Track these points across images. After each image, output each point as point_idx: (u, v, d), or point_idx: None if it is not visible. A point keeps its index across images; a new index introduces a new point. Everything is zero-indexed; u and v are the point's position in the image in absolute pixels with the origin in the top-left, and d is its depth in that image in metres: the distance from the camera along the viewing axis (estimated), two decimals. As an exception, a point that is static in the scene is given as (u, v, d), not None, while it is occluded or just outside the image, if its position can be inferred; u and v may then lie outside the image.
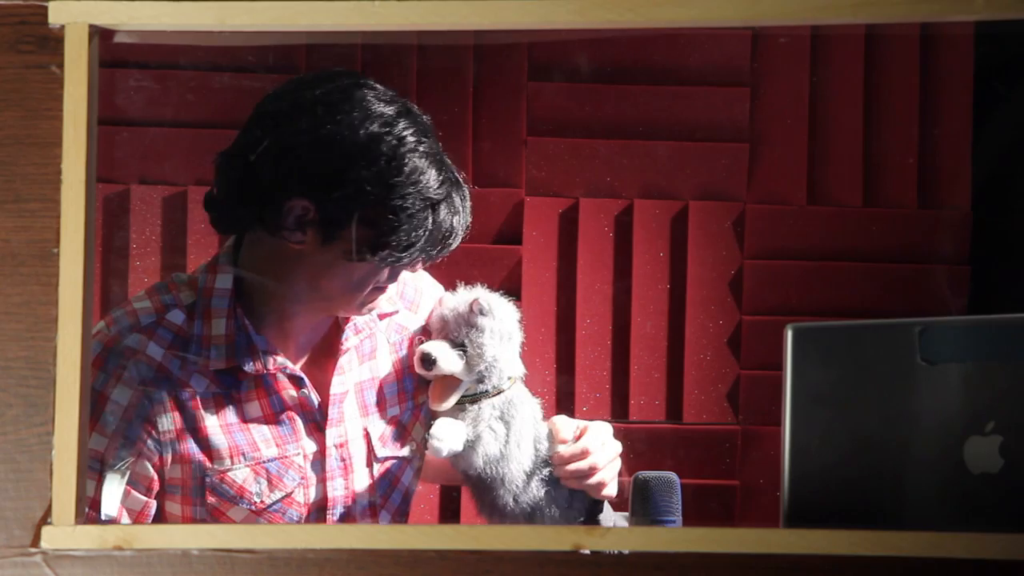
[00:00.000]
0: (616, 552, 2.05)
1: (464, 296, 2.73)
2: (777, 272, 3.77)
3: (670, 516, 2.41)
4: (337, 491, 2.69)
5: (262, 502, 2.65)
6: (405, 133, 2.61)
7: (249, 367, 2.63)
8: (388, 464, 2.76)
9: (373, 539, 2.08)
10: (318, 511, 2.68)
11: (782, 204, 3.79)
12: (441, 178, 2.64)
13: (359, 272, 2.63)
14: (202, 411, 2.62)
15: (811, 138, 3.79)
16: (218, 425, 2.63)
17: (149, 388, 2.58)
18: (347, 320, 2.72)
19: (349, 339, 2.72)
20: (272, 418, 2.66)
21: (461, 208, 2.68)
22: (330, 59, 3.75)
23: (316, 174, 2.58)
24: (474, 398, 2.69)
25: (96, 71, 2.12)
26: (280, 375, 2.65)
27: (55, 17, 2.11)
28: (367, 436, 2.72)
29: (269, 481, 2.65)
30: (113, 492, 2.66)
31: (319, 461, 2.68)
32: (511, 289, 3.78)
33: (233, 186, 2.61)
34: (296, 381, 2.66)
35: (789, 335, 2.13)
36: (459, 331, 2.69)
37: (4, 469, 2.09)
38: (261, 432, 2.66)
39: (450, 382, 2.69)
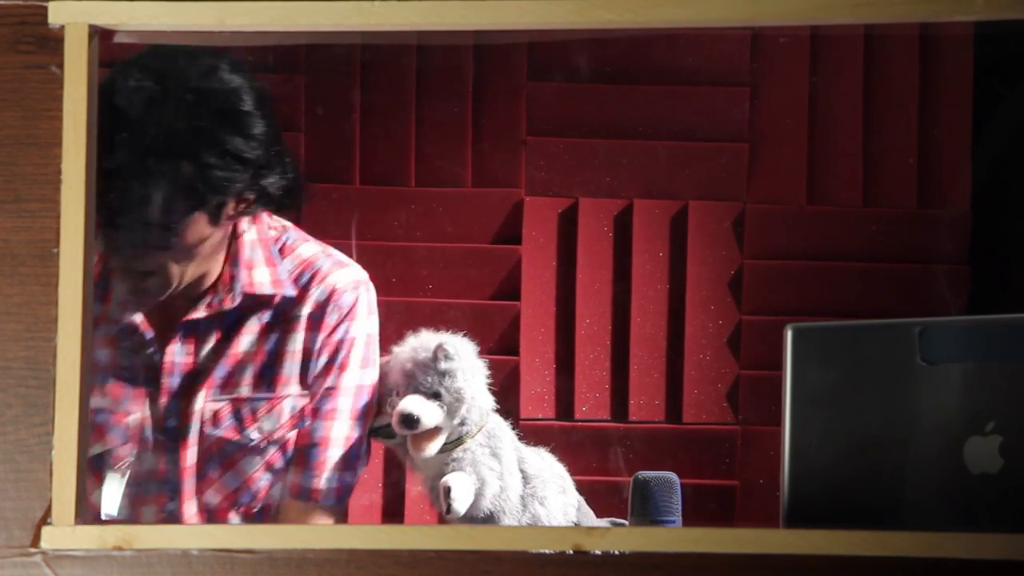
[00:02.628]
0: (617, 552, 2.05)
1: (419, 343, 2.69)
2: (777, 272, 3.77)
3: (670, 516, 2.41)
4: (167, 464, 2.68)
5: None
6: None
7: (97, 309, 2.65)
8: (221, 445, 2.71)
9: (373, 539, 2.08)
10: (157, 482, 2.67)
11: (782, 204, 3.79)
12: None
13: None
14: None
15: (811, 138, 3.79)
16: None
17: None
18: (210, 291, 2.69)
19: (199, 310, 2.68)
20: (118, 371, 2.67)
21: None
22: (330, 59, 3.75)
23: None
24: (458, 442, 2.67)
25: (96, 71, 2.12)
26: (136, 332, 2.65)
27: (55, 17, 2.11)
28: (198, 412, 2.69)
29: (95, 431, 2.66)
30: (113, 491, 2.66)
31: (152, 428, 2.68)
32: (511, 289, 3.78)
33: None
34: (146, 341, 2.66)
35: (789, 335, 2.13)
36: (428, 381, 2.66)
37: (4, 469, 2.09)
38: (101, 378, 2.67)
39: (431, 431, 2.66)
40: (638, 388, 3.75)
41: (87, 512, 2.14)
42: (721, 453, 3.73)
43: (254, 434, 2.69)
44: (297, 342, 2.69)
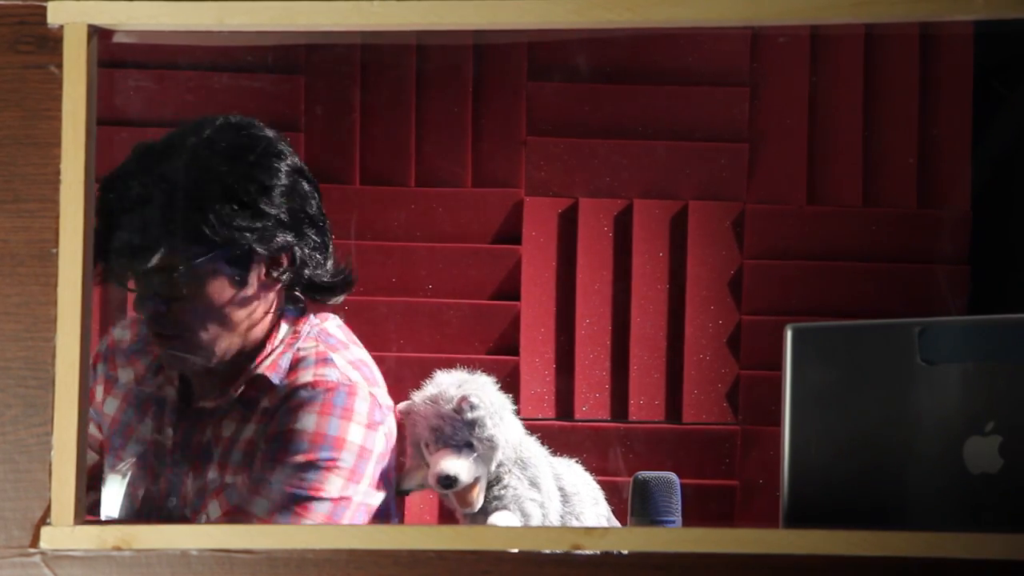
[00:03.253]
0: (617, 552, 2.05)
1: (439, 392, 2.63)
2: (777, 272, 3.77)
3: (670, 516, 2.41)
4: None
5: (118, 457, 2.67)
6: (290, 158, 2.65)
7: (123, 363, 2.67)
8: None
9: (372, 539, 2.08)
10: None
11: (782, 204, 3.79)
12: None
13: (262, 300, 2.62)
14: (108, 396, 2.68)
15: (811, 138, 3.79)
16: (109, 415, 2.69)
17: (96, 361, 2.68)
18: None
19: (220, 427, 2.61)
20: (152, 444, 2.65)
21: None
22: (330, 59, 3.75)
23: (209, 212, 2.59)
24: (496, 479, 2.65)
25: (95, 71, 2.12)
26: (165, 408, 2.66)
27: (54, 17, 2.11)
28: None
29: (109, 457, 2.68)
30: (113, 493, 2.66)
31: (155, 512, 2.65)
32: (511, 289, 3.78)
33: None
34: (172, 422, 2.66)
35: (789, 335, 2.13)
36: (458, 435, 2.61)
37: (3, 469, 2.09)
38: (133, 449, 2.66)
39: (471, 484, 2.63)
40: (638, 388, 3.75)
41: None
42: (721, 453, 3.73)
43: (214, 512, 2.58)
44: (253, 432, 2.57)
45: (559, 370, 3.75)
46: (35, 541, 2.08)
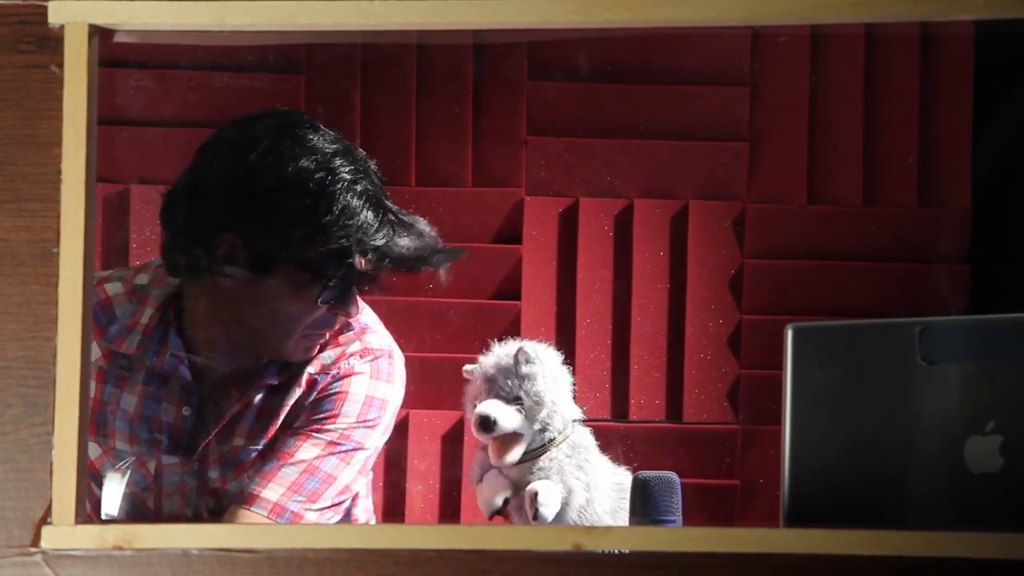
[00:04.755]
0: (618, 552, 2.05)
1: (502, 350, 2.65)
2: (777, 272, 3.77)
3: (670, 516, 2.41)
4: (183, 509, 2.68)
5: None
6: (340, 170, 2.57)
7: (151, 361, 2.64)
8: (212, 492, 2.71)
9: (373, 539, 2.08)
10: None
11: (782, 204, 3.79)
12: (380, 220, 2.59)
13: (287, 313, 2.60)
14: None
15: (811, 138, 3.79)
16: (88, 396, 2.65)
17: None
18: (265, 375, 2.67)
19: (271, 377, 2.67)
20: (138, 420, 2.66)
21: (407, 251, 2.62)
22: (330, 59, 3.75)
23: (244, 208, 2.56)
24: (542, 449, 2.63)
25: (96, 71, 2.12)
26: (173, 382, 2.64)
27: (55, 17, 2.11)
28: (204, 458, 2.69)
29: (119, 471, 2.66)
30: (113, 491, 2.66)
31: (177, 479, 2.67)
32: (511, 289, 3.78)
33: (179, 225, 2.61)
34: (186, 397, 2.65)
35: (789, 335, 2.13)
36: (509, 385, 2.62)
37: (4, 469, 2.09)
38: (121, 424, 2.66)
39: (512, 437, 2.61)
40: (638, 388, 3.75)
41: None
42: (721, 453, 3.73)
43: (240, 485, 2.67)
44: (291, 397, 2.67)
45: (559, 370, 3.75)
46: (36, 540, 2.08)
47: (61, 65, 2.10)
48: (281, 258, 2.57)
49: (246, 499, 2.61)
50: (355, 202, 2.57)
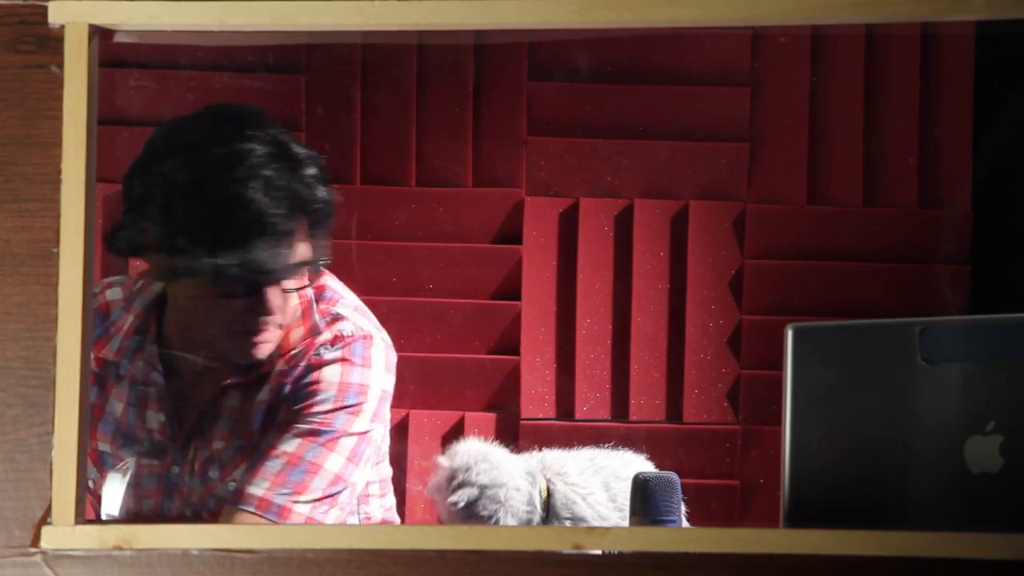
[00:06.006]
0: (617, 552, 2.05)
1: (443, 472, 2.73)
2: (777, 272, 3.77)
3: (670, 516, 2.41)
4: (165, 511, 2.69)
5: (93, 489, 2.68)
6: (222, 162, 2.56)
7: (124, 369, 2.66)
8: (203, 498, 2.71)
9: (373, 539, 2.08)
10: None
11: (782, 204, 3.79)
12: (271, 204, 2.56)
13: (208, 311, 2.61)
14: None
15: (811, 138, 3.79)
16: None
17: None
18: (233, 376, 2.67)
19: (228, 396, 2.67)
20: (123, 424, 2.68)
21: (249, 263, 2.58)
22: (330, 59, 3.75)
23: (153, 201, 2.58)
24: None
25: (96, 71, 2.12)
26: (150, 387, 2.65)
27: (55, 17, 2.11)
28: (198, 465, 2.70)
29: (100, 472, 2.67)
30: (114, 491, 2.67)
31: (154, 483, 2.69)
32: (512, 289, 3.79)
33: (125, 204, 2.63)
34: (160, 401, 2.66)
35: (789, 335, 2.13)
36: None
37: (4, 469, 2.09)
38: (106, 427, 2.67)
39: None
40: (638, 388, 3.75)
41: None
42: (721, 453, 3.73)
43: (230, 486, 2.67)
44: (264, 392, 2.66)
45: (560, 370, 3.75)
46: (36, 540, 2.08)
47: (61, 65, 2.10)
48: (185, 254, 2.58)
49: (234, 496, 2.61)
50: (245, 191, 2.55)
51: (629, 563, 2.04)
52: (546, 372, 3.75)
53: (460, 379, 3.76)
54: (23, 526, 2.09)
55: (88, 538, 2.08)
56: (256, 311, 2.60)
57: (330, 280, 2.72)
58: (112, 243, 2.64)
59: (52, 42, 2.11)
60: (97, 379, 2.70)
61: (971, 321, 2.16)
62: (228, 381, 2.66)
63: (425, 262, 3.73)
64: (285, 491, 2.58)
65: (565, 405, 3.74)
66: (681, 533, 2.19)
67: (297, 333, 2.66)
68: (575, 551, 2.04)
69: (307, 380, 2.63)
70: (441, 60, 3.76)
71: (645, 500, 2.43)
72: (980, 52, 3.75)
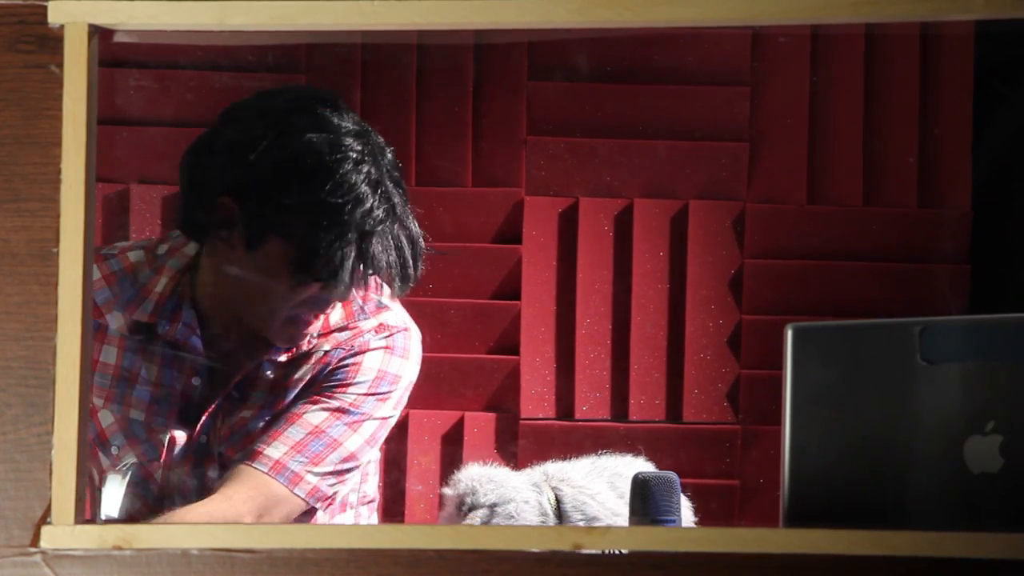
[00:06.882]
0: (617, 552, 2.05)
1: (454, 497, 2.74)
2: (777, 272, 3.77)
3: (670, 516, 2.41)
4: (191, 480, 2.69)
5: (118, 457, 2.66)
6: (347, 149, 2.56)
7: (163, 329, 2.65)
8: (225, 461, 2.72)
9: (373, 539, 2.08)
10: (172, 497, 2.68)
11: (782, 204, 3.79)
12: (381, 207, 2.57)
13: (274, 290, 2.60)
14: (104, 344, 2.66)
15: (811, 138, 3.79)
16: (110, 364, 2.64)
17: None
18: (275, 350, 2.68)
19: (280, 353, 2.68)
20: (157, 389, 2.66)
21: (398, 247, 2.60)
22: (330, 59, 3.75)
23: (244, 172, 2.56)
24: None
25: (96, 71, 2.12)
26: (185, 353, 2.65)
27: (55, 17, 2.11)
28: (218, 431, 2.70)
29: (128, 440, 2.66)
30: (113, 493, 2.66)
31: (183, 451, 2.68)
32: (511, 289, 3.78)
33: (188, 184, 2.63)
34: (197, 368, 2.66)
35: (789, 335, 2.13)
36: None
37: (4, 469, 2.09)
38: (141, 393, 2.66)
39: None
40: (638, 388, 3.75)
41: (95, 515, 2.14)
42: (721, 453, 3.73)
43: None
44: (306, 372, 2.68)
45: (559, 370, 3.75)
46: (35, 540, 2.08)
47: (61, 65, 2.10)
48: (273, 229, 2.56)
49: (249, 455, 2.62)
50: (358, 184, 2.56)
51: (629, 563, 2.04)
52: (546, 372, 3.75)
53: (460, 379, 3.76)
54: (23, 526, 2.09)
55: (88, 538, 2.08)
56: (319, 304, 2.61)
57: None
58: (183, 223, 2.66)
59: (52, 42, 2.11)
60: (129, 347, 2.69)
61: (971, 321, 2.16)
62: (276, 357, 2.66)
63: (425, 262, 3.73)
64: (302, 459, 2.61)
65: (565, 405, 3.74)
66: (681, 533, 2.19)
67: (337, 314, 2.68)
68: (575, 551, 2.04)
69: (348, 362, 2.67)
70: (441, 60, 3.76)
71: (645, 500, 2.43)
72: (980, 52, 3.75)
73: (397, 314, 2.73)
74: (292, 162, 2.56)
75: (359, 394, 2.66)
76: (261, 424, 2.67)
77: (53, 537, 2.08)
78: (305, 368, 2.67)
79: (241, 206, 2.57)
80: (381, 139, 2.65)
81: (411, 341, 2.73)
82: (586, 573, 2.04)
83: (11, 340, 2.10)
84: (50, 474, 2.09)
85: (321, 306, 2.63)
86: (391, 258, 2.60)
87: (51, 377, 2.09)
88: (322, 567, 2.06)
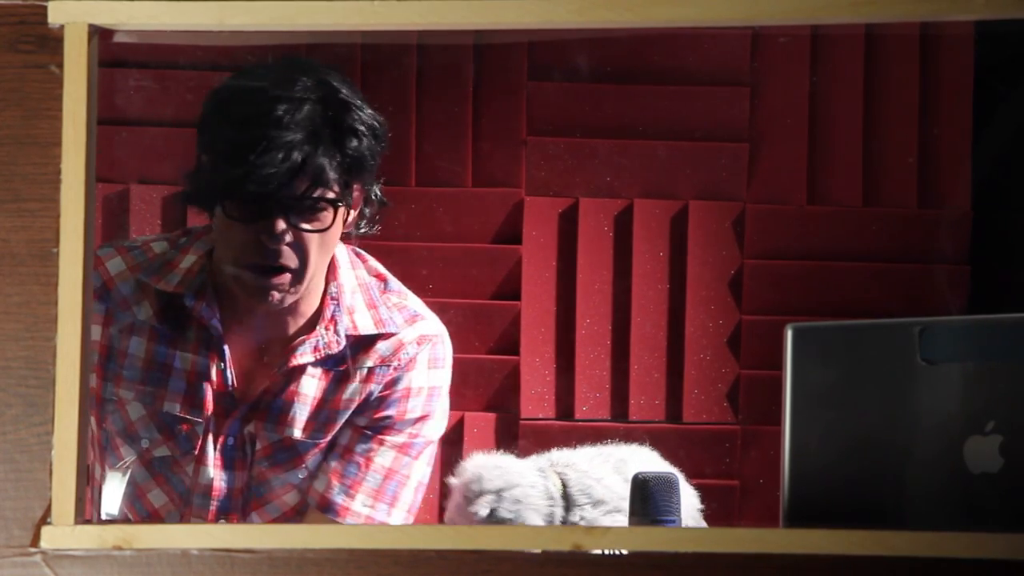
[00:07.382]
0: (617, 552, 2.05)
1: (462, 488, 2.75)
2: (777, 272, 3.77)
3: (670, 516, 2.41)
4: (219, 482, 2.68)
5: (149, 451, 2.65)
6: (288, 83, 2.59)
7: (189, 302, 2.64)
8: (267, 478, 2.72)
9: (373, 539, 2.08)
10: (202, 495, 2.68)
11: (782, 204, 3.79)
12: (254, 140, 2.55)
13: (222, 235, 2.62)
14: (133, 336, 2.66)
15: (811, 138, 3.79)
16: (139, 356, 2.64)
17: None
18: (308, 333, 2.68)
19: (304, 355, 2.68)
20: (192, 378, 2.67)
21: (279, 152, 2.57)
22: (330, 59, 3.75)
23: (201, 130, 2.66)
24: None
25: (96, 71, 2.12)
26: (204, 333, 2.66)
27: (55, 17, 2.11)
28: (251, 443, 2.70)
29: (162, 433, 2.66)
30: (113, 491, 2.66)
31: (216, 450, 2.68)
32: (511, 289, 3.78)
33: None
34: (218, 352, 2.65)
35: (789, 335, 2.13)
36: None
37: (4, 469, 2.09)
38: (176, 384, 2.66)
39: None
40: (638, 388, 3.75)
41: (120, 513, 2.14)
42: (721, 453, 3.73)
43: (301, 474, 2.71)
44: (355, 392, 2.69)
45: (559, 370, 3.75)
46: (36, 540, 2.08)
47: (61, 65, 2.10)
48: (206, 171, 2.62)
49: (334, 510, 2.67)
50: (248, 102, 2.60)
51: (629, 563, 2.04)
52: (546, 372, 3.75)
53: (460, 379, 3.75)
54: (23, 526, 2.09)
55: (88, 538, 2.08)
56: (264, 243, 2.59)
57: (384, 270, 2.78)
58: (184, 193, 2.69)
59: (52, 42, 2.11)
60: (160, 337, 2.68)
61: (971, 321, 2.16)
62: (304, 360, 2.66)
63: (424, 262, 3.73)
64: (383, 505, 2.69)
65: (565, 405, 3.74)
66: (681, 533, 2.19)
67: (365, 320, 2.69)
68: (575, 551, 2.04)
69: (399, 386, 2.69)
70: (441, 60, 3.76)
71: (645, 500, 2.43)
72: (980, 52, 3.75)
73: (430, 322, 2.76)
74: (217, 100, 2.67)
75: (415, 420, 2.71)
76: (311, 447, 2.67)
77: (53, 537, 2.08)
78: (352, 389, 2.68)
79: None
80: (338, 81, 2.66)
81: (447, 347, 2.77)
82: (586, 573, 2.04)
83: (11, 340, 2.10)
84: (50, 474, 2.09)
85: (265, 244, 2.59)
86: (273, 163, 2.56)
87: (51, 377, 2.09)
88: (322, 567, 2.06)
